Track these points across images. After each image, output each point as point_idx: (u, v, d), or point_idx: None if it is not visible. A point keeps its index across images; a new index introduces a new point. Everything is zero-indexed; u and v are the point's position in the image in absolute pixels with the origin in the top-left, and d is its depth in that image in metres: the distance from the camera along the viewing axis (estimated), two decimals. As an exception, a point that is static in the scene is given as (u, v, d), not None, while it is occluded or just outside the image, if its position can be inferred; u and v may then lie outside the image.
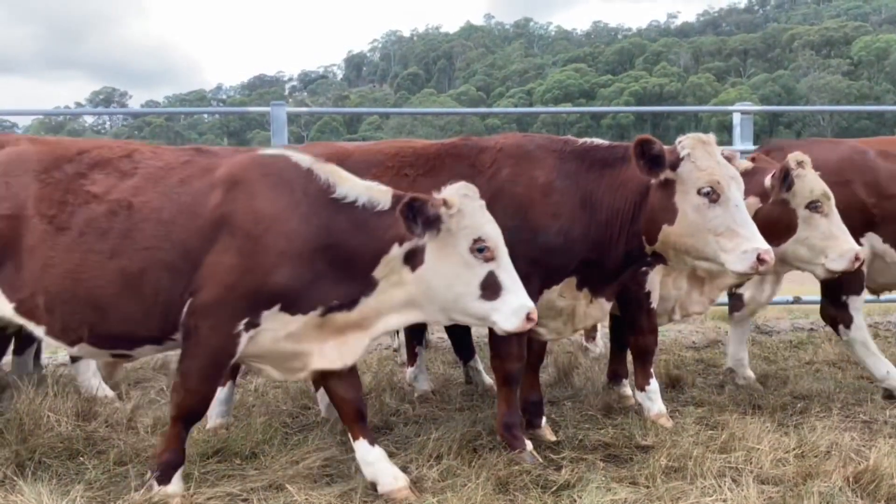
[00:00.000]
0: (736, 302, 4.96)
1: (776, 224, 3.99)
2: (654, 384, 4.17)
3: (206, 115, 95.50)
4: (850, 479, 3.09)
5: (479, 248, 2.95)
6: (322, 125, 71.36)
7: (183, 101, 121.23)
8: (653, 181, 3.32)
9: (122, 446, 3.59)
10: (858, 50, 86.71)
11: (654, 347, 4.30)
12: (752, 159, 4.32)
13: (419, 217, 2.88)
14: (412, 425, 4.02)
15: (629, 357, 4.47)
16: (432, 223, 2.92)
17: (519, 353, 3.55)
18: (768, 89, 76.60)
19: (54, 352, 6.43)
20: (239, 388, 4.85)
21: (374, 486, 3.12)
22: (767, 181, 4.02)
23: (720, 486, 3.05)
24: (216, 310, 2.93)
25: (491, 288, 2.95)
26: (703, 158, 3.27)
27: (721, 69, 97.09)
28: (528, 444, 3.53)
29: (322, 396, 4.18)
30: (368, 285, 3.04)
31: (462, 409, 4.34)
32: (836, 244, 4.00)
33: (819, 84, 76.92)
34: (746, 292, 4.87)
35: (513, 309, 2.93)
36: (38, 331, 3.14)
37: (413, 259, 3.00)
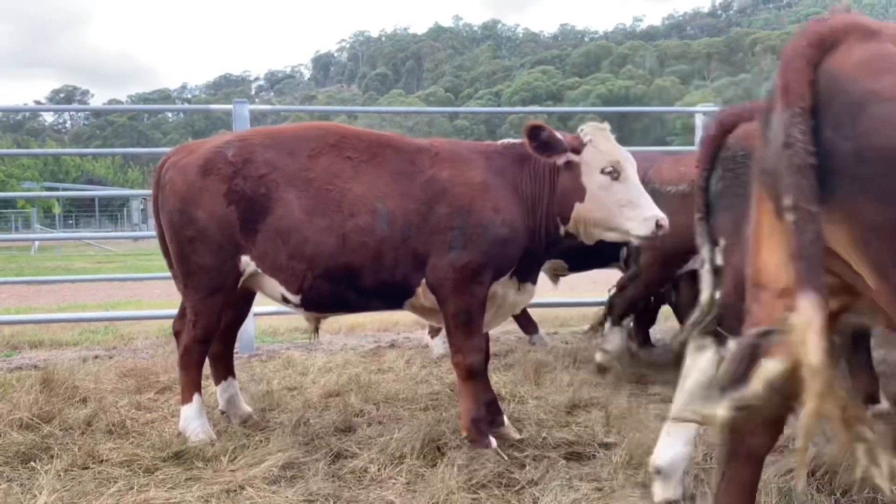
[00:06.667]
0: None
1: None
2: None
3: (169, 115, 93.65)
4: (808, 473, 3.13)
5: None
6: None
7: (147, 101, 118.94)
8: (559, 164, 3.67)
9: (76, 451, 3.49)
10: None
11: None
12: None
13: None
14: (375, 426, 3.98)
15: None
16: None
17: (479, 345, 3.62)
18: (731, 93, 77.81)
19: (8, 354, 6.26)
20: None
21: None
22: None
23: (681, 482, 3.07)
24: None
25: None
26: (602, 142, 3.69)
27: (686, 72, 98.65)
28: (493, 442, 3.54)
29: None
30: None
31: (427, 409, 4.31)
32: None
33: (780, 88, 78.38)
34: None
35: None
36: None
37: None
